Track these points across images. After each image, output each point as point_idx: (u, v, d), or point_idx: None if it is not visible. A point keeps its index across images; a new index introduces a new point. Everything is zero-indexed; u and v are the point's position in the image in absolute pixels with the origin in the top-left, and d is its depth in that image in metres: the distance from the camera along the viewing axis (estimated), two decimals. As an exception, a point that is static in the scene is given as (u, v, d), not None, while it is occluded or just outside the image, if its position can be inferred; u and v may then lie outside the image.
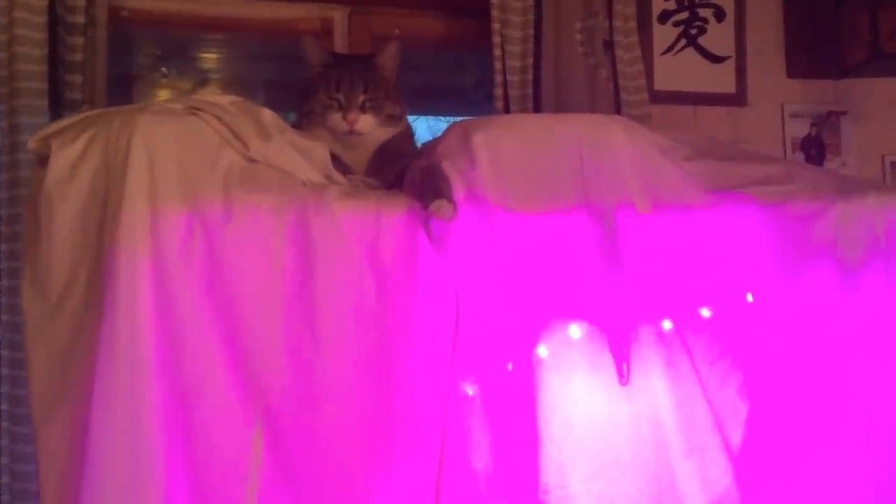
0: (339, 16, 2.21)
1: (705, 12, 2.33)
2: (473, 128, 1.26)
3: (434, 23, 2.25)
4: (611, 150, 1.26)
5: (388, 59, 1.40)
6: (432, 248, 1.14)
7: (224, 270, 1.07)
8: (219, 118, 1.15)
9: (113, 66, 1.92)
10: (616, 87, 2.06)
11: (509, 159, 1.22)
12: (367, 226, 1.13)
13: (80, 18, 1.83)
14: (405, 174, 1.25)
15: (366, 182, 1.30)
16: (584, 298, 1.21)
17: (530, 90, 2.04)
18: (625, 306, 1.21)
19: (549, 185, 1.23)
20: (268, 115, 1.21)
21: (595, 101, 2.05)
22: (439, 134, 1.35)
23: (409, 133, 1.45)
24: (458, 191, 1.17)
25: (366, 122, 1.34)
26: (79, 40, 1.83)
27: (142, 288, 1.03)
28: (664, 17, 2.31)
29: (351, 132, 1.33)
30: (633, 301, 1.21)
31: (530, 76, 2.04)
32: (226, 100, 1.19)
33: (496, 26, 2.03)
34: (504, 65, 2.02)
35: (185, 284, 1.06)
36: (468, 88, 2.58)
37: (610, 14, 2.08)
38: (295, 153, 1.19)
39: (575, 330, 1.21)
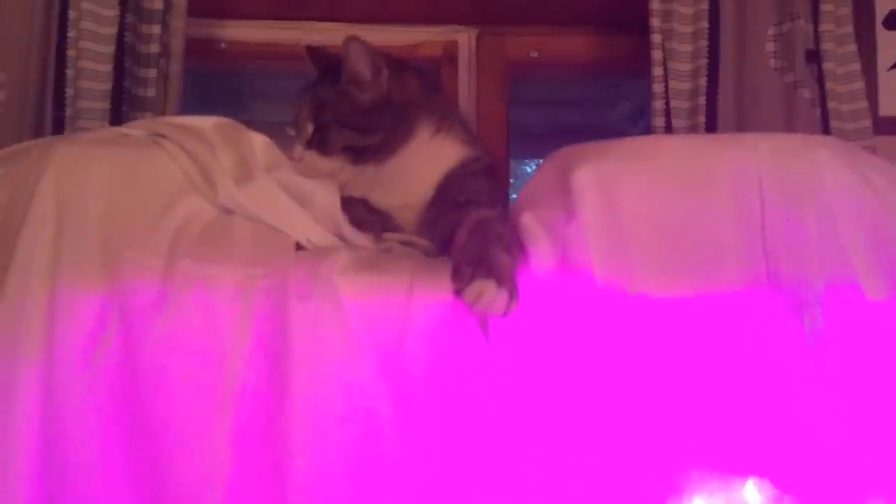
0: (463, 39, 1.92)
1: (953, 11, 1.89)
2: (577, 159, 0.80)
3: (581, 42, 1.93)
4: (817, 192, 0.83)
5: (356, 64, 1.02)
6: (493, 355, 0.69)
7: (147, 384, 0.70)
8: (187, 150, 0.78)
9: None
10: (824, 112, 1.65)
11: (635, 209, 0.80)
12: (389, 317, 0.73)
13: (155, 48, 1.65)
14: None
15: (411, 244, 0.87)
16: (768, 441, 0.79)
17: (702, 119, 1.64)
18: (846, 461, 0.78)
19: (706, 250, 0.80)
20: (260, 144, 0.83)
21: (794, 131, 1.63)
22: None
23: (482, 168, 0.99)
24: (542, 260, 0.75)
25: (312, 161, 1.00)
26: (151, 73, 1.64)
27: (21, 411, 0.68)
28: (893, 20, 1.85)
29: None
30: (859, 453, 0.78)
31: (702, 101, 1.65)
32: (208, 122, 0.84)
33: (657, 38, 1.65)
34: (666, 87, 1.65)
35: (83, 405, 0.68)
36: (625, 121, 2.31)
37: (816, 16, 1.67)
38: (287, 200, 0.80)
39: (753, 495, 0.79)
